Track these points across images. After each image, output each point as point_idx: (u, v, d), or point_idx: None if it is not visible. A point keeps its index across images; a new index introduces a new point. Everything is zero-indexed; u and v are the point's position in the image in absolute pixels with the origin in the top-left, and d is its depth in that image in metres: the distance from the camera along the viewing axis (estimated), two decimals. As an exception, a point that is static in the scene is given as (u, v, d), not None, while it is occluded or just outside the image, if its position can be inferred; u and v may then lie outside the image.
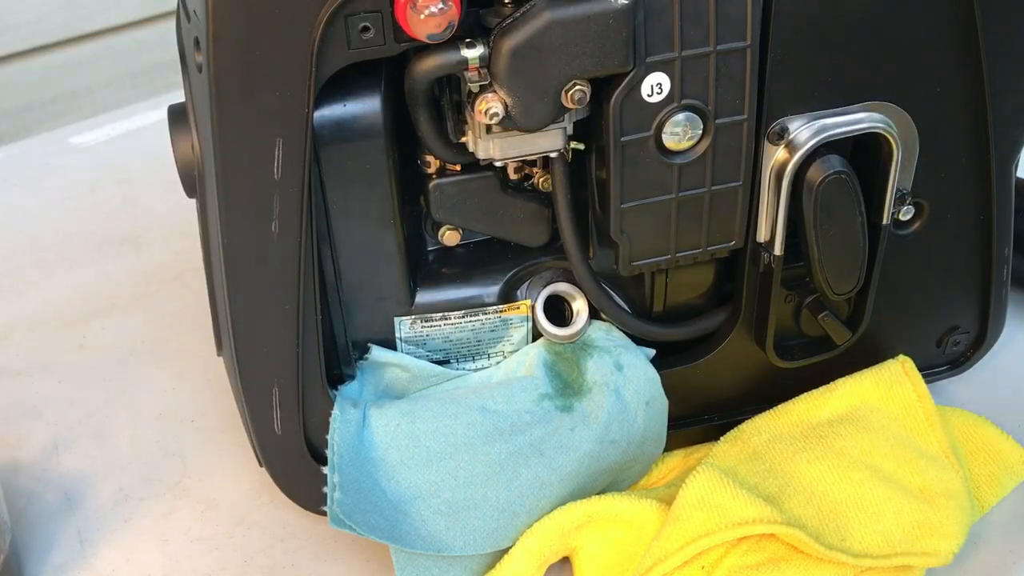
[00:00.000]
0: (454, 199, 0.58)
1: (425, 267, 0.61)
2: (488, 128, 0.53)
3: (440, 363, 0.63)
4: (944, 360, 0.68)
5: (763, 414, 0.64)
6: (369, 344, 0.61)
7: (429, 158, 0.57)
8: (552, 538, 0.59)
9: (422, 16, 0.48)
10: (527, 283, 0.62)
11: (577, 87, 0.51)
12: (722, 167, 0.56)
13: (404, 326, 0.61)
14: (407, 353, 0.62)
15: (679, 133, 0.54)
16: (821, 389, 0.64)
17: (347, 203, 0.56)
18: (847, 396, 0.64)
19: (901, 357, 0.65)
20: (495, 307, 0.61)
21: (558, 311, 0.62)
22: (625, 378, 0.61)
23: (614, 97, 0.53)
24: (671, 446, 0.64)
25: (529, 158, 0.56)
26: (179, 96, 0.58)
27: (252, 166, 0.51)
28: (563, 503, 0.60)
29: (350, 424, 0.59)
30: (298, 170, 0.52)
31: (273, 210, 0.52)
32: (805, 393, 0.64)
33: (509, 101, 0.51)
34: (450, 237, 0.60)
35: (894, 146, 0.57)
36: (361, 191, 0.56)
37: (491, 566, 0.60)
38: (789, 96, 0.55)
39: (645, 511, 0.60)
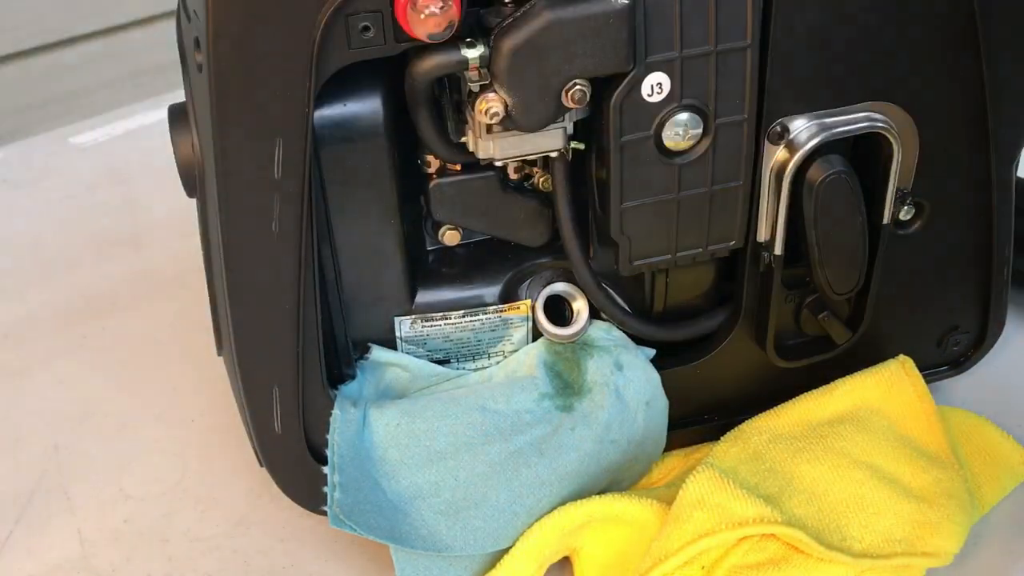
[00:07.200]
0: (454, 199, 0.58)
1: (425, 267, 0.61)
2: (488, 128, 0.53)
3: (440, 363, 0.62)
4: (944, 360, 0.68)
5: (763, 414, 0.64)
6: (369, 344, 0.61)
7: (429, 158, 0.57)
8: (552, 538, 0.59)
9: (422, 16, 0.48)
10: (527, 283, 0.62)
11: (577, 87, 0.51)
12: (722, 167, 0.56)
13: (404, 326, 0.61)
14: (407, 353, 0.62)
15: (680, 133, 0.54)
16: (821, 389, 0.64)
17: (347, 203, 0.56)
18: (847, 396, 0.64)
19: (901, 357, 0.65)
20: (495, 307, 0.61)
21: (558, 311, 0.62)
22: (625, 378, 0.61)
23: (615, 97, 0.53)
24: (671, 446, 0.64)
25: (529, 158, 0.56)
26: (179, 96, 0.58)
27: (252, 166, 0.51)
28: (563, 503, 0.60)
29: (350, 424, 0.58)
30: (298, 170, 0.51)
31: (273, 210, 0.52)
32: (805, 393, 0.64)
33: (509, 101, 0.51)
34: (450, 237, 0.60)
35: (894, 146, 0.57)
36: (361, 191, 0.56)
37: (491, 566, 0.59)
38: (789, 96, 0.55)
39: (645, 511, 0.59)
